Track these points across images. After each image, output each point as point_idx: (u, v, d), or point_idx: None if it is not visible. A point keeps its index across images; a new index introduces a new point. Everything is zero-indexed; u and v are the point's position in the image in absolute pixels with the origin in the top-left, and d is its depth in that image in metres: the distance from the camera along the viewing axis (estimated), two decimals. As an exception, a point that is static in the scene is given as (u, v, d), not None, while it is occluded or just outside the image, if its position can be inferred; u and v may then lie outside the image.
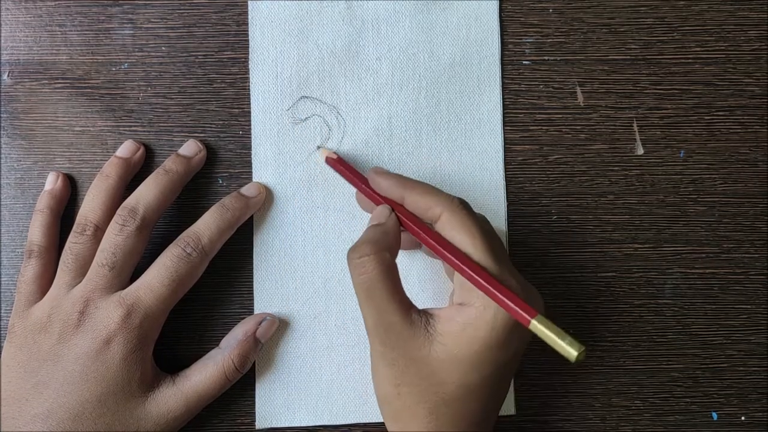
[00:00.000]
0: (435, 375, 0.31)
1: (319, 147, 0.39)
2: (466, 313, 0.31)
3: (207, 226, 0.37)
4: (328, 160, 0.38)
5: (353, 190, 0.39)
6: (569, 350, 0.27)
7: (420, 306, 0.33)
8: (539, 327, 0.28)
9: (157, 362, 0.37)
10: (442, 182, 0.40)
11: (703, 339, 0.40)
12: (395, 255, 0.33)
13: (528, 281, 0.33)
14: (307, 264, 0.39)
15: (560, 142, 0.40)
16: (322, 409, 0.39)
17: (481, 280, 0.30)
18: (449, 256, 0.31)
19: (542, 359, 0.39)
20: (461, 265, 0.31)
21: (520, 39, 0.40)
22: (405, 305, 0.32)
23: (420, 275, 0.39)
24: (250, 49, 0.40)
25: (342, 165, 0.38)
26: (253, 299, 0.39)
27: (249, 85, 0.40)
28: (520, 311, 0.29)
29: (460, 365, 0.31)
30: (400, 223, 0.34)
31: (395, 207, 0.34)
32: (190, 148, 0.39)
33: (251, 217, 0.39)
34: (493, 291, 0.30)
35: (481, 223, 0.32)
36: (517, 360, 0.33)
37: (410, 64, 0.40)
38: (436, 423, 0.32)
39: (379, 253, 0.32)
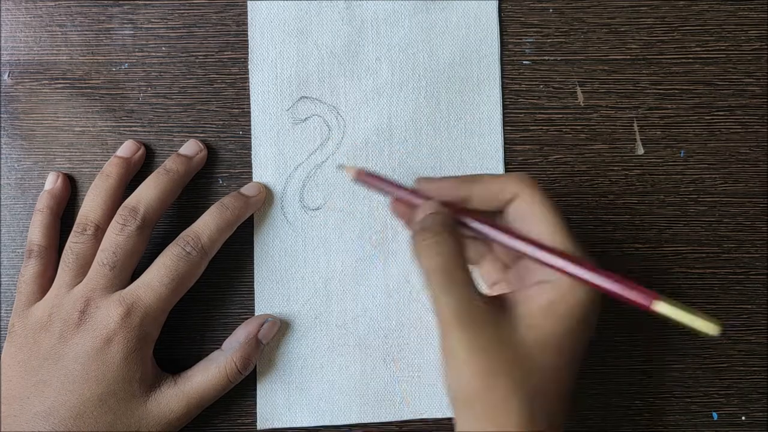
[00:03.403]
0: (529, 360, 0.29)
1: (340, 166, 0.37)
2: (553, 291, 0.29)
3: (206, 225, 0.37)
4: (359, 176, 0.33)
5: (353, 189, 0.39)
6: (708, 327, 0.26)
7: None
8: (667, 308, 0.27)
9: (157, 362, 0.37)
10: (442, 182, 0.40)
11: (704, 339, 0.40)
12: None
13: None
14: (307, 264, 0.39)
15: (560, 142, 0.40)
16: (323, 409, 0.39)
17: (584, 272, 0.28)
18: (540, 255, 0.29)
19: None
20: (558, 261, 0.29)
21: (520, 39, 0.40)
22: (477, 289, 0.30)
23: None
24: (249, 50, 0.40)
25: (372, 177, 0.33)
26: (253, 300, 0.39)
27: (249, 86, 0.40)
28: (640, 295, 0.28)
29: (551, 346, 0.29)
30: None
31: (456, 211, 0.32)
32: (190, 147, 0.39)
33: (251, 218, 0.39)
34: (605, 279, 0.28)
35: (557, 208, 0.30)
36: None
37: (410, 64, 0.40)
38: (531, 416, 0.28)
39: (454, 230, 0.30)
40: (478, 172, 0.39)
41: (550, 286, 0.29)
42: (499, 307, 0.30)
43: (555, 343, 0.29)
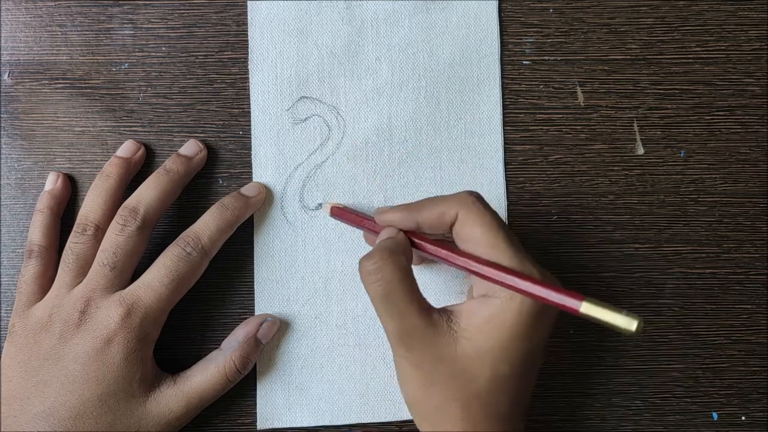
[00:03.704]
0: (465, 372, 0.31)
1: (320, 204, 0.39)
2: (492, 305, 0.31)
3: (207, 225, 0.37)
4: (334, 211, 0.38)
5: (353, 189, 0.39)
6: (629, 323, 0.27)
7: (435, 305, 0.33)
8: (592, 308, 0.28)
9: (157, 362, 0.37)
10: (441, 182, 0.40)
11: (704, 339, 0.40)
12: (410, 261, 0.33)
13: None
14: (307, 264, 0.39)
15: (560, 142, 0.40)
16: (323, 409, 0.39)
17: (517, 281, 0.30)
18: (476, 268, 0.31)
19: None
20: (491, 274, 0.30)
21: (520, 39, 0.40)
22: (424, 307, 0.32)
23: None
24: (249, 50, 0.40)
25: (347, 212, 0.37)
26: (253, 300, 0.39)
27: (249, 86, 0.40)
28: (568, 299, 0.28)
29: (489, 358, 0.31)
30: (410, 240, 0.34)
31: (410, 235, 0.34)
32: (190, 147, 0.39)
33: (251, 218, 0.39)
34: (533, 288, 0.29)
35: (495, 215, 0.32)
36: (542, 350, 0.33)
37: (410, 64, 0.40)
38: (468, 419, 0.31)
39: (396, 256, 0.32)
40: (477, 173, 0.40)
41: (491, 301, 0.31)
42: (448, 318, 0.32)
43: (495, 355, 0.31)
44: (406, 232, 0.34)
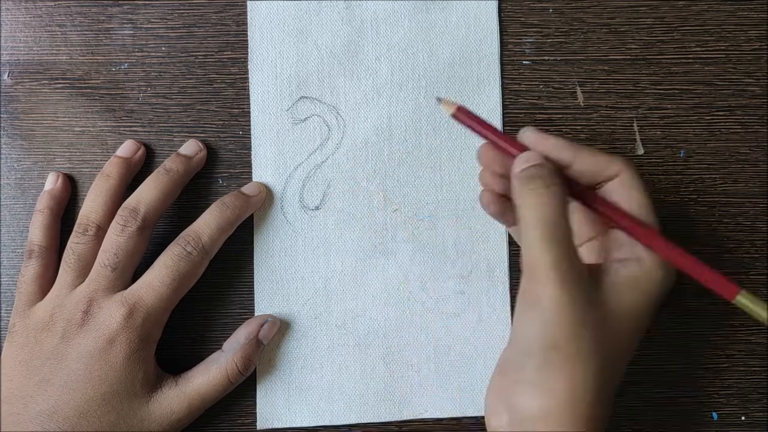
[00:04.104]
0: (615, 323, 0.30)
1: (438, 98, 0.33)
2: (638, 268, 0.30)
3: (207, 224, 0.37)
4: (458, 115, 0.32)
5: (353, 189, 0.39)
6: None
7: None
8: (744, 301, 0.29)
9: (158, 363, 0.37)
10: (441, 181, 0.40)
11: (704, 338, 0.40)
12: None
13: None
14: (307, 264, 0.39)
15: (560, 142, 0.40)
16: (323, 409, 0.39)
17: (681, 252, 0.30)
18: (638, 229, 0.31)
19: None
20: (652, 237, 0.30)
21: (520, 39, 0.40)
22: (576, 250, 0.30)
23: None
24: (249, 50, 0.40)
25: (470, 117, 0.32)
26: (253, 300, 0.39)
27: (249, 86, 0.40)
28: (724, 284, 0.30)
29: (630, 317, 0.30)
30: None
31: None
32: (190, 147, 0.39)
33: (251, 218, 0.39)
34: (695, 265, 0.30)
35: (650, 193, 0.32)
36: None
37: (410, 63, 0.40)
38: (603, 379, 0.29)
39: (562, 185, 0.30)
40: (478, 172, 0.39)
41: (635, 263, 0.30)
42: (594, 271, 0.31)
43: (634, 316, 0.30)
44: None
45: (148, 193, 0.37)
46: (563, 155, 0.31)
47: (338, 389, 0.39)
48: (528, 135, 0.32)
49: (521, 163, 0.31)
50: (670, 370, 0.40)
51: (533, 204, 0.29)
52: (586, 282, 0.29)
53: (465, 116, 0.32)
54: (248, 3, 0.40)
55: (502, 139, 0.32)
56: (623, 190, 0.31)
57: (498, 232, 0.40)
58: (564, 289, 0.28)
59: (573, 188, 0.31)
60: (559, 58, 0.40)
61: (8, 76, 0.40)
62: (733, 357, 0.40)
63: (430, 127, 0.40)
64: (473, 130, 0.32)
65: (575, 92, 0.40)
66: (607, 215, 0.31)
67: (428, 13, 0.40)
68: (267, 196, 0.39)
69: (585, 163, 0.31)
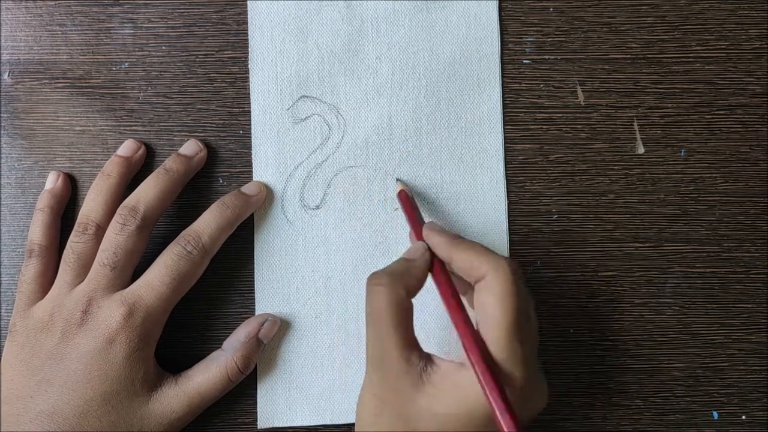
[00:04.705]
0: (412, 421, 0.30)
1: (398, 180, 0.39)
2: (462, 376, 0.30)
3: (207, 224, 0.37)
4: (401, 194, 0.38)
5: (353, 188, 0.39)
6: None
7: (431, 345, 0.32)
8: None
9: (158, 362, 0.37)
10: (442, 181, 0.40)
11: (704, 338, 0.40)
12: (413, 294, 0.32)
13: (542, 372, 0.32)
14: (308, 263, 0.39)
15: (561, 141, 0.40)
16: (323, 408, 0.39)
17: (479, 372, 0.29)
18: (463, 336, 0.30)
19: (542, 358, 0.39)
20: (467, 344, 0.30)
21: (521, 38, 0.40)
22: (408, 343, 0.31)
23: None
24: (249, 49, 0.40)
25: (409, 203, 0.37)
26: (254, 299, 0.39)
27: (249, 85, 0.40)
28: (500, 419, 0.28)
29: (438, 422, 0.30)
30: (431, 266, 0.33)
31: (437, 265, 0.33)
32: (190, 147, 0.39)
33: (252, 217, 0.39)
34: (483, 385, 0.28)
35: (520, 299, 0.30)
36: None
37: (410, 63, 0.40)
38: None
39: (394, 286, 0.31)
40: (478, 172, 0.39)
41: (464, 373, 0.30)
42: (425, 366, 0.31)
43: (442, 422, 0.30)
44: (436, 259, 0.33)
45: (147, 192, 0.37)
46: (443, 251, 0.33)
47: (339, 388, 0.39)
48: (426, 228, 0.35)
49: (406, 252, 0.34)
50: (670, 369, 0.40)
51: (367, 297, 0.32)
52: (400, 375, 0.31)
53: (402, 199, 0.38)
54: (248, 2, 0.40)
55: (415, 229, 0.36)
56: (481, 294, 0.31)
57: (497, 231, 0.40)
58: (375, 376, 0.32)
59: (441, 285, 0.33)
60: (559, 57, 0.40)
61: (9, 75, 0.40)
62: (734, 356, 0.40)
63: (430, 127, 0.40)
64: (404, 213, 0.37)
65: (576, 91, 0.40)
66: (450, 317, 0.31)
67: (429, 13, 0.40)
68: (267, 196, 0.39)
69: (459, 261, 0.32)
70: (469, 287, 0.32)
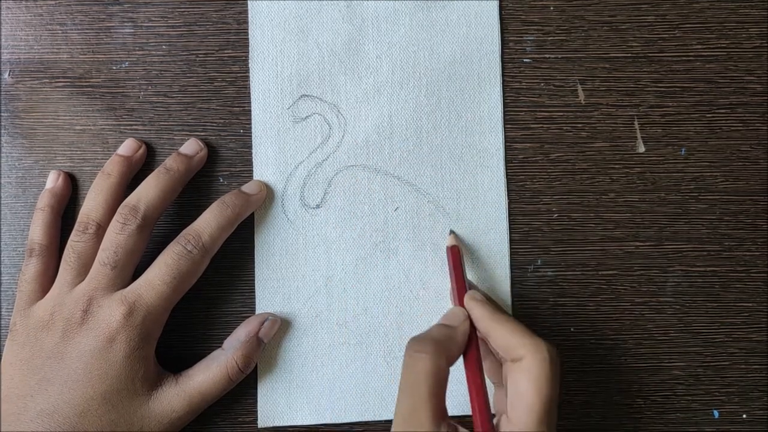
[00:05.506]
0: None
1: (451, 232, 0.39)
2: None
3: (207, 223, 0.37)
4: (453, 249, 0.38)
5: (354, 188, 0.39)
6: None
7: None
8: None
9: (158, 361, 0.37)
10: (442, 180, 0.40)
11: (705, 337, 0.40)
12: (452, 363, 0.33)
13: None
14: (308, 263, 0.39)
15: (561, 140, 0.40)
16: (324, 407, 0.39)
17: None
18: (478, 418, 0.31)
19: (543, 357, 0.39)
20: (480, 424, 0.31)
21: (521, 37, 0.40)
22: (439, 413, 0.31)
23: None
24: (250, 48, 0.40)
25: (458, 260, 0.37)
26: (254, 298, 0.39)
27: (249, 84, 0.40)
28: None
29: None
30: (469, 331, 0.34)
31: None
32: (190, 146, 0.39)
33: (252, 216, 0.39)
34: None
35: (554, 387, 0.31)
36: None
37: (410, 62, 0.40)
38: None
39: (437, 355, 0.32)
40: (478, 171, 0.39)
41: None
42: None
43: None
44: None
45: (148, 191, 0.37)
46: (482, 325, 0.34)
47: (339, 387, 0.39)
48: (468, 296, 0.35)
49: (444, 316, 0.35)
50: (670, 368, 0.40)
51: (406, 363, 0.32)
52: None
53: (450, 255, 0.38)
54: (249, 1, 0.40)
55: (457, 290, 0.36)
56: (516, 374, 0.31)
57: (497, 230, 0.40)
58: None
59: (470, 355, 0.33)
60: (560, 56, 0.40)
61: (9, 74, 0.40)
62: (734, 355, 0.40)
63: (431, 126, 0.40)
64: (449, 268, 0.38)
65: (576, 90, 0.40)
66: (470, 392, 0.32)
67: (429, 12, 0.40)
68: (268, 195, 0.39)
69: (500, 337, 0.33)
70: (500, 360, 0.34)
